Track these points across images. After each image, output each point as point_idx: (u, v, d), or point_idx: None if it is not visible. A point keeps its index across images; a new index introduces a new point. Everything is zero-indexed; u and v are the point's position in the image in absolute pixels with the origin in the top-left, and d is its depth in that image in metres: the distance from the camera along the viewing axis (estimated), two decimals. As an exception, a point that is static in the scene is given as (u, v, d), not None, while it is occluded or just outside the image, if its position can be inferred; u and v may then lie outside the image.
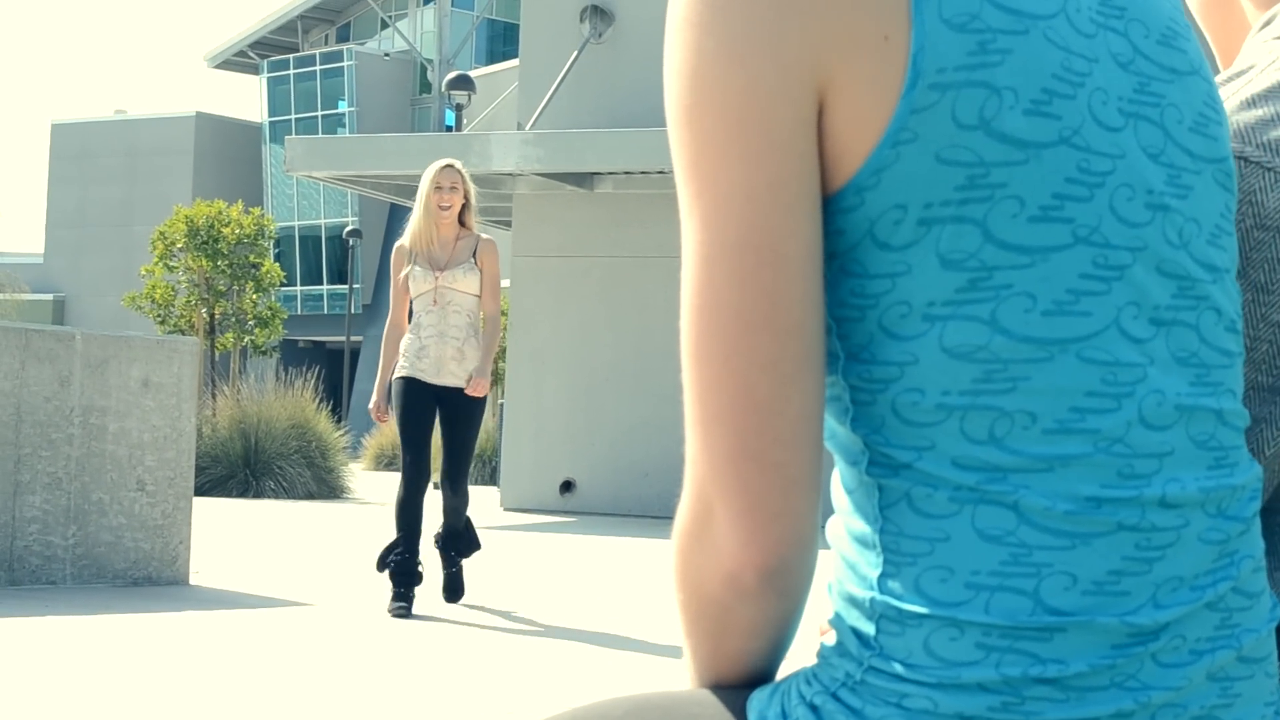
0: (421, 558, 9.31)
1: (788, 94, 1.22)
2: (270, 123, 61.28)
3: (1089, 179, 1.26)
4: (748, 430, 1.21)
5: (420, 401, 9.25)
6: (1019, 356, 1.24)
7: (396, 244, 9.53)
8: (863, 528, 1.27)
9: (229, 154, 61.39)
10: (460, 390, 9.28)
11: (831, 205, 1.25)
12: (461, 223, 9.47)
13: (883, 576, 1.25)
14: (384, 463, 33.23)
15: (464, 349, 9.29)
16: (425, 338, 9.28)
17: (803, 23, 1.22)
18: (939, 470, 1.24)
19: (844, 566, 1.29)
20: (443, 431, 9.42)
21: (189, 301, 35.14)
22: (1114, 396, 1.25)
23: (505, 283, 24.20)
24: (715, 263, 1.22)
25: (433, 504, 9.99)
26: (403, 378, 9.29)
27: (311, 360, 48.47)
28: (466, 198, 9.43)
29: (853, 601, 1.27)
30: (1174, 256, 1.30)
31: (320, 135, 41.94)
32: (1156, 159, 1.31)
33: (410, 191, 19.55)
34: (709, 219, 1.23)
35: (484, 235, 9.49)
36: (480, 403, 9.40)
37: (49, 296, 61.30)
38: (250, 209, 36.59)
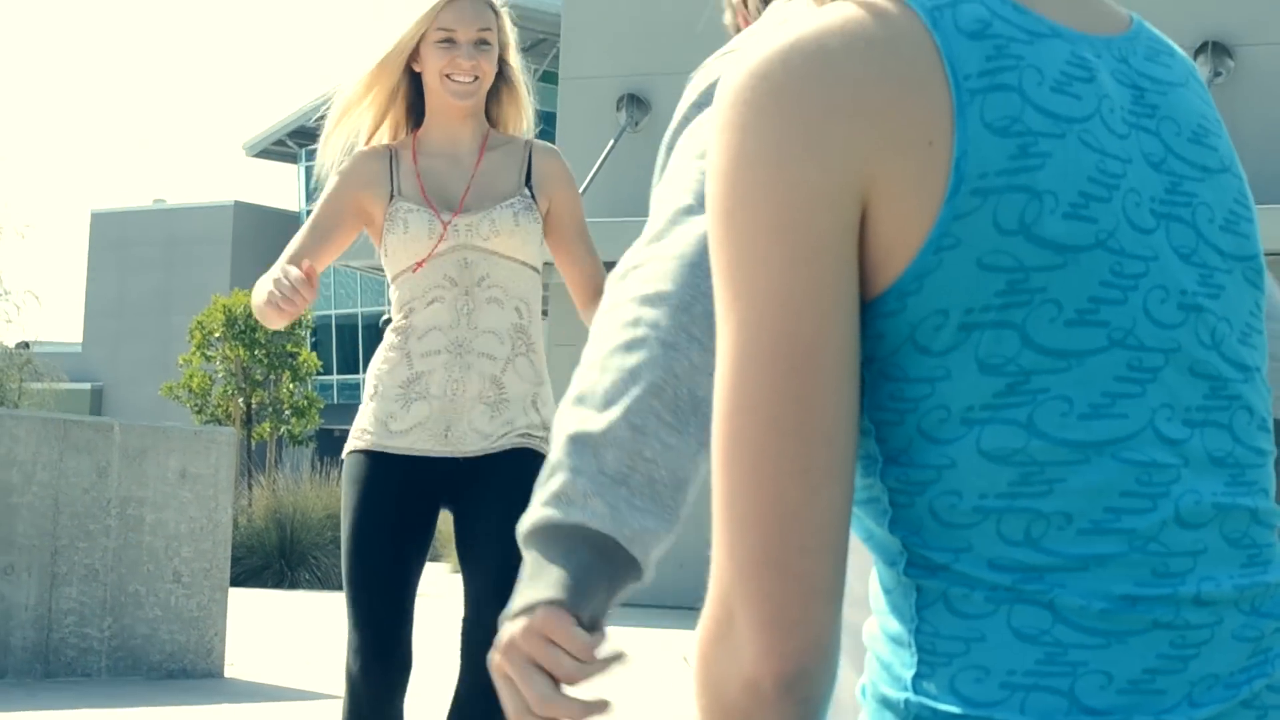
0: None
1: (829, 199, 1.22)
2: (307, 210, 61.47)
3: (1123, 281, 1.27)
4: (772, 538, 1.21)
5: (400, 506, 4.37)
6: (1056, 459, 1.24)
7: (356, 150, 4.58)
8: (898, 628, 1.27)
9: (267, 242, 61.65)
10: (496, 458, 4.35)
11: (872, 309, 1.26)
12: (491, 119, 4.60)
13: (917, 677, 1.25)
14: (420, 551, 33.11)
15: (506, 378, 4.38)
16: (423, 356, 4.34)
17: (846, 127, 1.23)
18: (976, 571, 1.24)
19: (878, 667, 1.29)
20: (465, 547, 4.43)
21: (226, 391, 35.25)
22: (1149, 497, 1.25)
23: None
24: (749, 367, 1.22)
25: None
26: (363, 452, 4.38)
27: (348, 449, 48.50)
28: (504, 61, 4.55)
29: (886, 703, 1.27)
30: (1206, 357, 1.30)
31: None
32: (1188, 259, 1.32)
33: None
34: (745, 323, 1.23)
35: (536, 140, 4.59)
36: (533, 476, 2.73)
37: (87, 385, 61.50)
38: (287, 298, 36.62)
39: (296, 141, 60.93)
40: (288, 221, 62.67)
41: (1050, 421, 1.24)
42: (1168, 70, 1.39)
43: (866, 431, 1.29)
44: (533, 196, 4.45)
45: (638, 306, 1.71)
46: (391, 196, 4.45)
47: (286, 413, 35.95)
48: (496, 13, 4.48)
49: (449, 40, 4.37)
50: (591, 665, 1.58)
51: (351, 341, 61.04)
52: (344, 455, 4.41)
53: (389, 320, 4.33)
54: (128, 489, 10.15)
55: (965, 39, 1.26)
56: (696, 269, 1.69)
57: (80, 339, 64.51)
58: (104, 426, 10.17)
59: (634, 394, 1.67)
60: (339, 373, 61.29)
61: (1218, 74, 18.37)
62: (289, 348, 35.48)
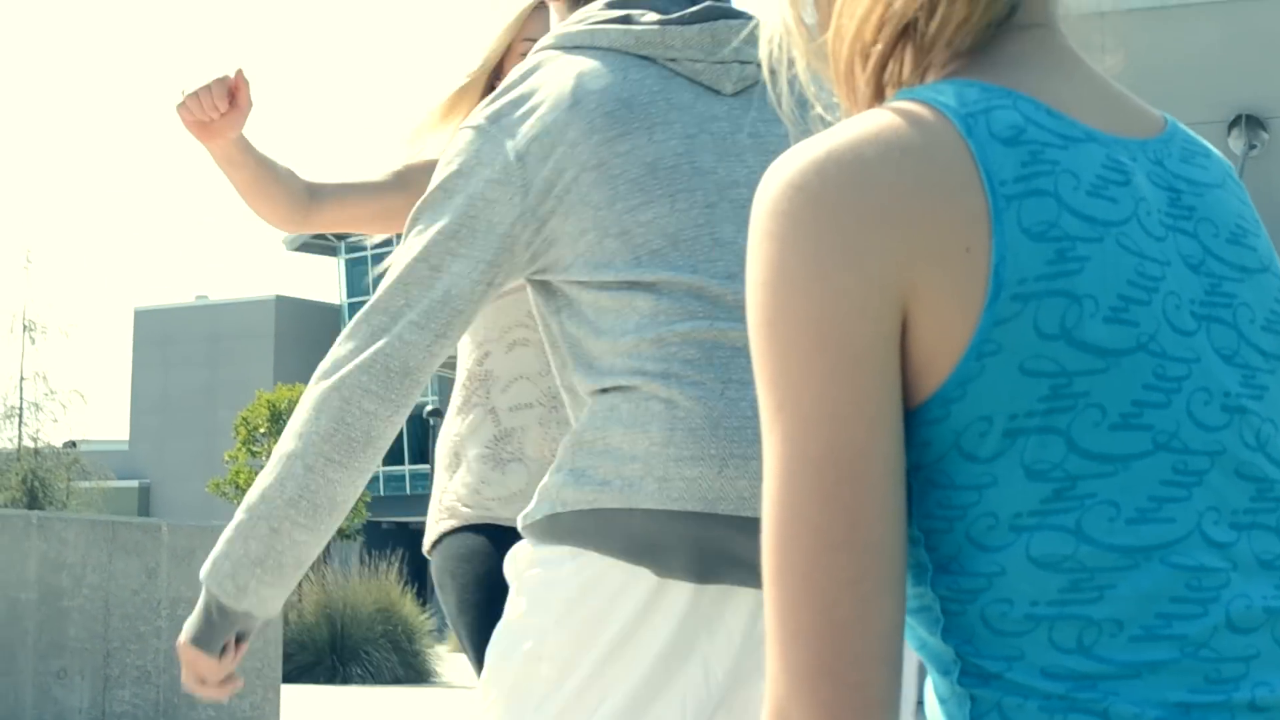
0: None
1: (870, 309, 1.22)
2: (349, 304, 61.87)
3: (1166, 384, 1.27)
4: (826, 649, 1.20)
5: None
6: (1105, 565, 1.23)
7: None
8: None
9: (309, 336, 61.87)
10: None
11: (917, 417, 1.26)
12: None
13: None
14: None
15: None
16: (511, 411, 3.33)
17: (885, 236, 1.23)
18: (1029, 680, 1.23)
19: None
20: None
21: (272, 486, 35.27)
22: (1199, 602, 1.25)
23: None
24: (797, 478, 1.22)
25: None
26: (464, 529, 3.31)
27: (395, 542, 48.48)
28: None
29: None
30: (1251, 459, 1.30)
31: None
32: (1230, 360, 1.32)
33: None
34: (791, 434, 1.23)
35: None
36: None
37: (134, 483, 61.61)
38: (331, 392, 36.77)
39: (336, 235, 61.23)
40: (329, 314, 62.93)
41: (1098, 527, 1.23)
42: (1204, 171, 1.39)
43: (915, 540, 1.29)
44: None
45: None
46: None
47: (333, 506, 35.92)
48: None
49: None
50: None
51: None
52: (431, 543, 3.37)
53: (434, 411, 3.99)
54: (177, 589, 10.17)
55: (1000, 145, 1.26)
56: None
57: (127, 436, 64.67)
58: (152, 527, 10.20)
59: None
60: (384, 464, 61.35)
61: (1252, 146, 18.29)
62: (334, 441, 35.49)
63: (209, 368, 62.13)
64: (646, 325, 2.48)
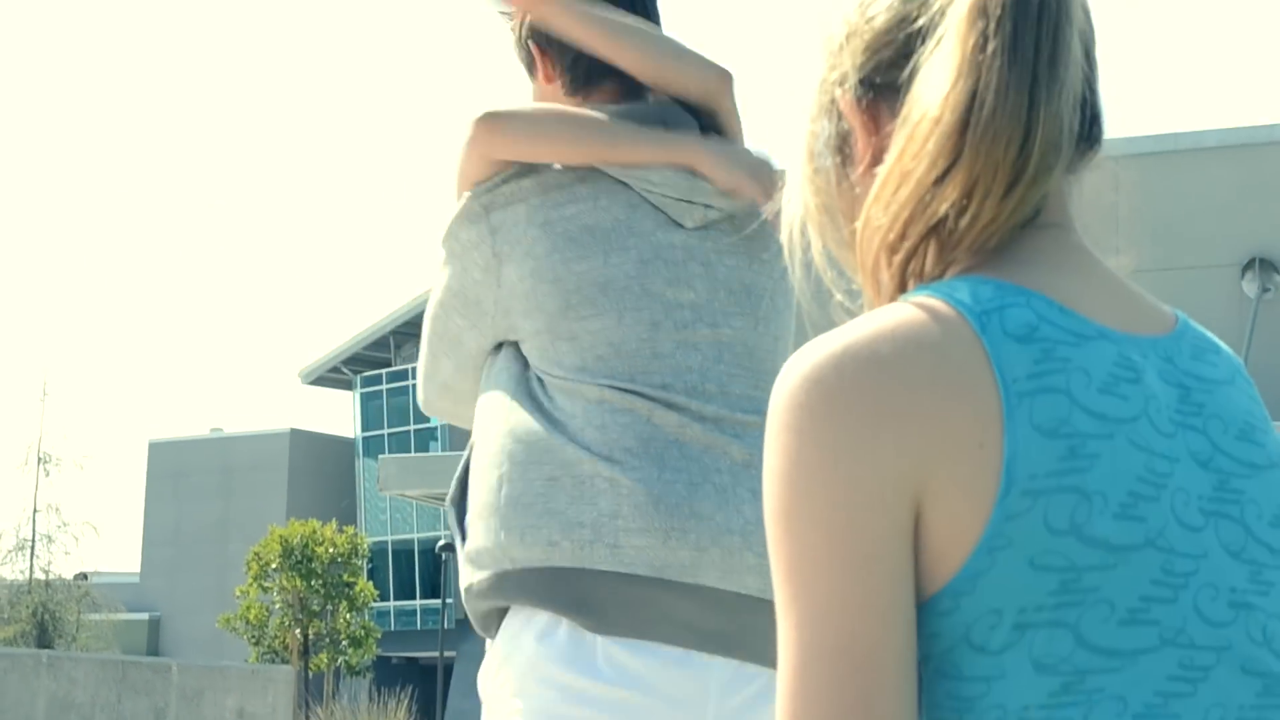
0: None
1: (884, 503, 1.24)
2: (363, 437, 61.95)
3: (1173, 580, 1.27)
4: None
5: None
6: None
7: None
8: None
9: (323, 470, 61.97)
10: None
11: (927, 609, 1.26)
12: None
13: None
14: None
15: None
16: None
17: (899, 432, 1.25)
18: None
19: None
20: None
21: (283, 622, 35.23)
22: None
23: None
24: (810, 668, 1.23)
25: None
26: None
27: (405, 678, 48.21)
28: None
29: None
30: (1258, 655, 1.30)
31: (413, 454, 42.36)
32: (1238, 556, 1.32)
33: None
34: (805, 624, 1.24)
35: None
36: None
37: (144, 616, 61.48)
38: (344, 527, 36.85)
39: (351, 369, 61.53)
40: (344, 448, 63.03)
41: None
42: (1213, 368, 1.40)
43: None
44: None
45: None
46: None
47: (344, 643, 35.89)
48: None
49: None
50: None
51: (408, 568, 60.97)
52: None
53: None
54: (186, 730, 10.13)
55: (1013, 343, 1.28)
56: None
57: (138, 568, 64.61)
58: (161, 667, 10.19)
59: None
60: (395, 599, 61.18)
61: (1265, 290, 18.43)
62: (346, 578, 35.49)
63: (222, 500, 62.18)
64: (593, 412, 2.72)
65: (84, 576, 46.97)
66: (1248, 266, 17.97)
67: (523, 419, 2.77)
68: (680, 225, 2.86)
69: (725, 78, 3.04)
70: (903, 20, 1.39)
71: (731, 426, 2.76)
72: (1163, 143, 15.47)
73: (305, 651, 34.72)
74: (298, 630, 34.83)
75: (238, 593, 36.11)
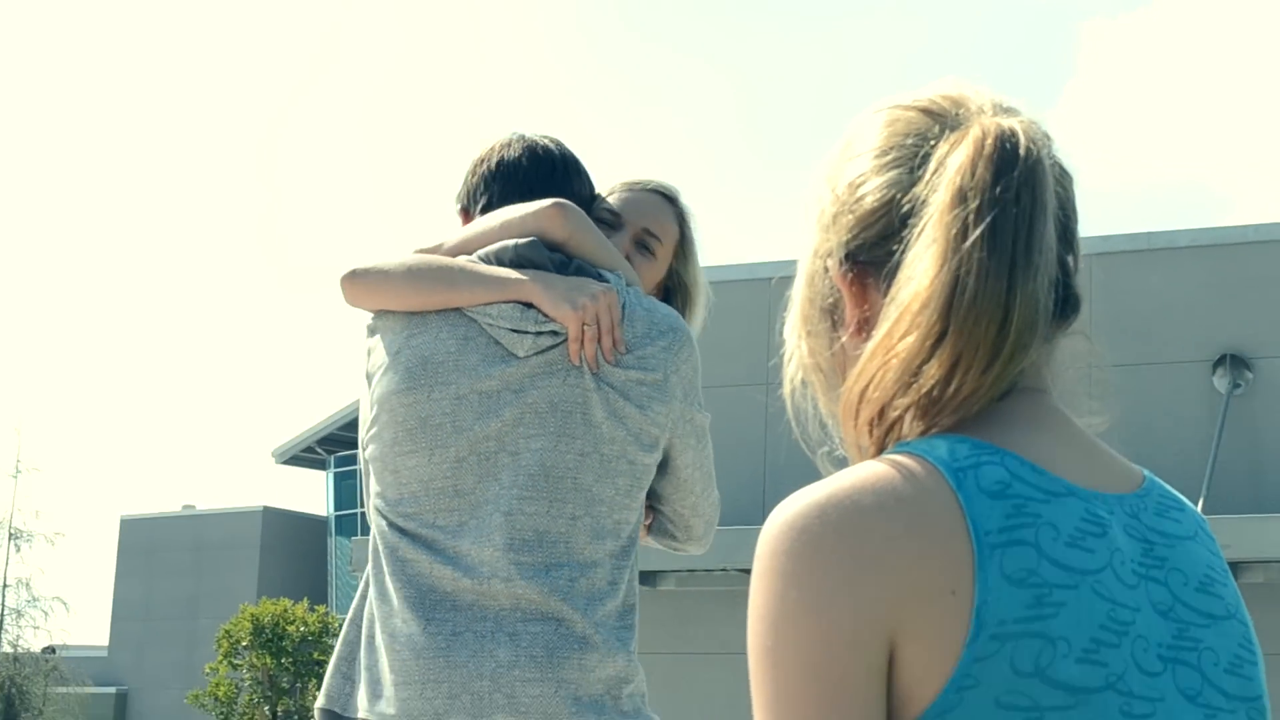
0: None
1: (861, 644, 1.32)
2: (336, 516, 61.64)
3: None
4: None
5: None
6: None
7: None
8: None
9: (295, 548, 61.57)
10: None
11: None
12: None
13: None
14: None
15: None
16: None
17: (877, 577, 1.33)
18: None
19: None
20: None
21: (252, 699, 35.03)
22: None
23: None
24: None
25: None
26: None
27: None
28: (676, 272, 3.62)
29: None
30: None
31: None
32: (1194, 700, 1.40)
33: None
34: None
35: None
36: None
37: (112, 690, 60.88)
38: (315, 606, 36.71)
39: (325, 449, 61.26)
40: (315, 526, 62.74)
41: None
42: (1177, 525, 1.49)
43: None
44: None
45: None
46: None
47: (312, 721, 35.60)
48: (679, 215, 3.59)
49: (609, 225, 3.53)
50: None
51: (378, 646, 60.43)
52: None
53: None
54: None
55: (986, 498, 1.36)
56: None
57: (106, 643, 64.05)
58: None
59: None
60: None
61: (1236, 385, 18.44)
62: (316, 655, 35.33)
63: (193, 576, 61.70)
64: (389, 557, 3.09)
65: (52, 650, 46.61)
66: (1219, 363, 18.03)
67: (369, 570, 3.20)
68: (514, 354, 3.09)
69: (546, 214, 3.20)
70: (889, 204, 1.48)
71: (505, 570, 2.99)
72: (1137, 241, 15.63)
73: (274, 730, 34.51)
74: (267, 708, 34.66)
75: (207, 669, 35.93)
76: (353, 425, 68.86)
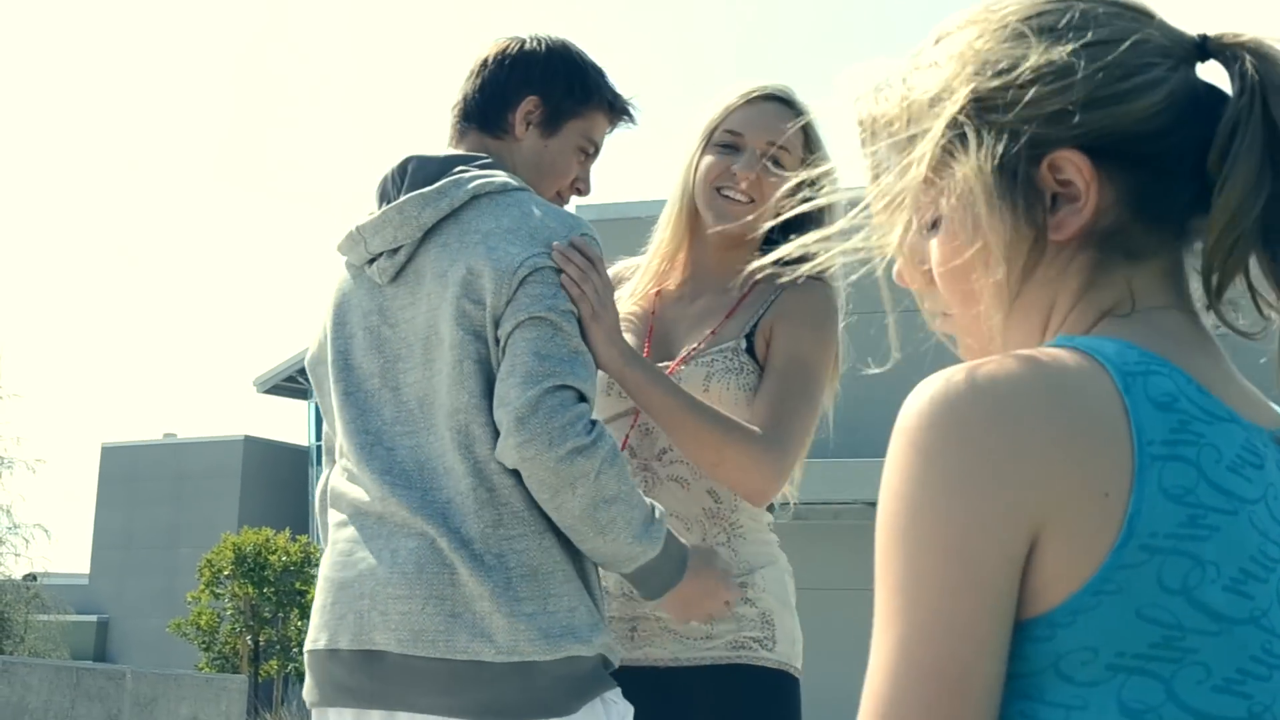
0: None
1: (1002, 534, 1.28)
2: (317, 446, 61.65)
3: (1271, 660, 1.32)
4: None
5: None
6: None
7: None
8: None
9: (276, 477, 61.64)
10: (700, 676, 3.35)
11: (1020, 631, 1.31)
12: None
13: None
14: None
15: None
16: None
17: (1031, 468, 1.29)
18: None
19: None
20: None
21: (234, 628, 35.11)
22: None
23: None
24: (903, 685, 1.27)
25: None
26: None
27: None
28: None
29: None
30: None
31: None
32: None
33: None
34: (905, 640, 1.28)
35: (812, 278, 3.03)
36: (751, 698, 3.35)
37: (93, 618, 61.01)
38: (297, 536, 36.74)
39: (307, 378, 61.21)
40: (297, 456, 62.80)
41: None
42: None
43: None
44: (750, 346, 3.41)
45: None
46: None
47: (294, 650, 35.76)
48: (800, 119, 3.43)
49: (732, 145, 3.43)
50: None
51: (359, 576, 60.57)
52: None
53: None
54: (139, 737, 10.14)
55: (1153, 408, 1.33)
56: None
57: (87, 571, 64.12)
58: (115, 674, 10.20)
59: None
60: None
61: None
62: (298, 585, 35.41)
63: (174, 506, 61.78)
64: (329, 491, 3.22)
65: (33, 578, 46.63)
66: None
67: None
68: (380, 285, 3.14)
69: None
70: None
71: (388, 491, 3.04)
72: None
73: (256, 658, 34.61)
74: (249, 637, 34.74)
75: (189, 598, 36.02)
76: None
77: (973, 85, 1.42)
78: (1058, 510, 1.29)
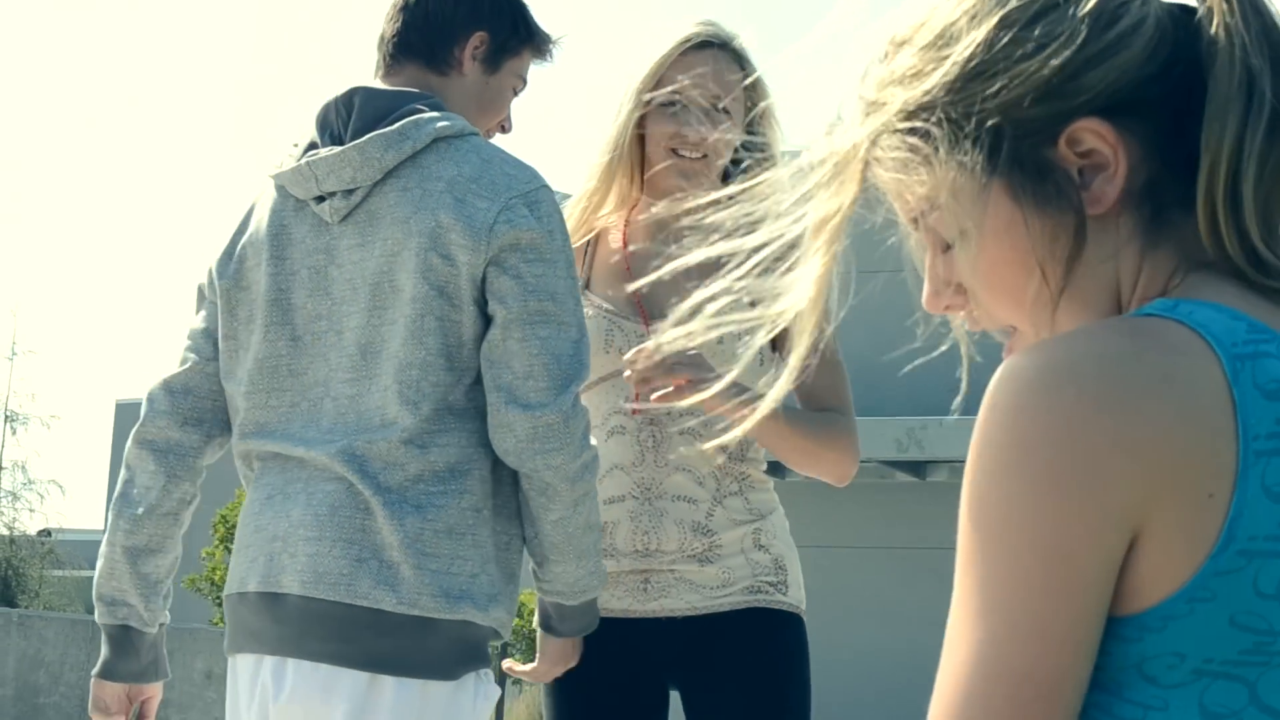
0: None
1: (1103, 535, 1.20)
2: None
3: None
4: None
5: (612, 687, 3.45)
6: None
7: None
8: None
9: (290, 434, 61.39)
10: (719, 623, 3.40)
11: (1107, 629, 1.24)
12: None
13: None
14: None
15: (715, 522, 3.40)
16: (605, 504, 3.35)
17: (1135, 467, 1.20)
18: None
19: None
20: None
21: (248, 584, 35.15)
22: None
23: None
24: (990, 687, 1.20)
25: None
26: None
27: None
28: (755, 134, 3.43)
29: None
30: None
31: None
32: None
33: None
34: (997, 638, 1.21)
35: None
36: (771, 641, 3.45)
37: (107, 574, 60.88)
38: (311, 491, 36.68)
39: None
40: (311, 413, 62.62)
41: None
42: None
43: None
44: None
45: None
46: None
47: (307, 605, 35.78)
48: (746, 74, 3.44)
49: (673, 104, 3.42)
50: None
51: (372, 533, 60.61)
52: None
53: None
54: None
55: (1261, 398, 1.22)
56: None
57: (101, 526, 64.19)
58: (132, 628, 10.25)
59: None
60: None
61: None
62: (311, 541, 35.40)
63: (188, 461, 61.61)
64: (238, 435, 3.12)
65: (48, 533, 46.74)
66: None
67: None
68: (328, 224, 3.04)
69: None
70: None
71: (320, 428, 3.00)
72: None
73: (269, 615, 34.69)
74: (262, 593, 34.77)
75: (203, 554, 36.05)
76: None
77: (949, 80, 1.34)
78: (1160, 511, 1.20)
